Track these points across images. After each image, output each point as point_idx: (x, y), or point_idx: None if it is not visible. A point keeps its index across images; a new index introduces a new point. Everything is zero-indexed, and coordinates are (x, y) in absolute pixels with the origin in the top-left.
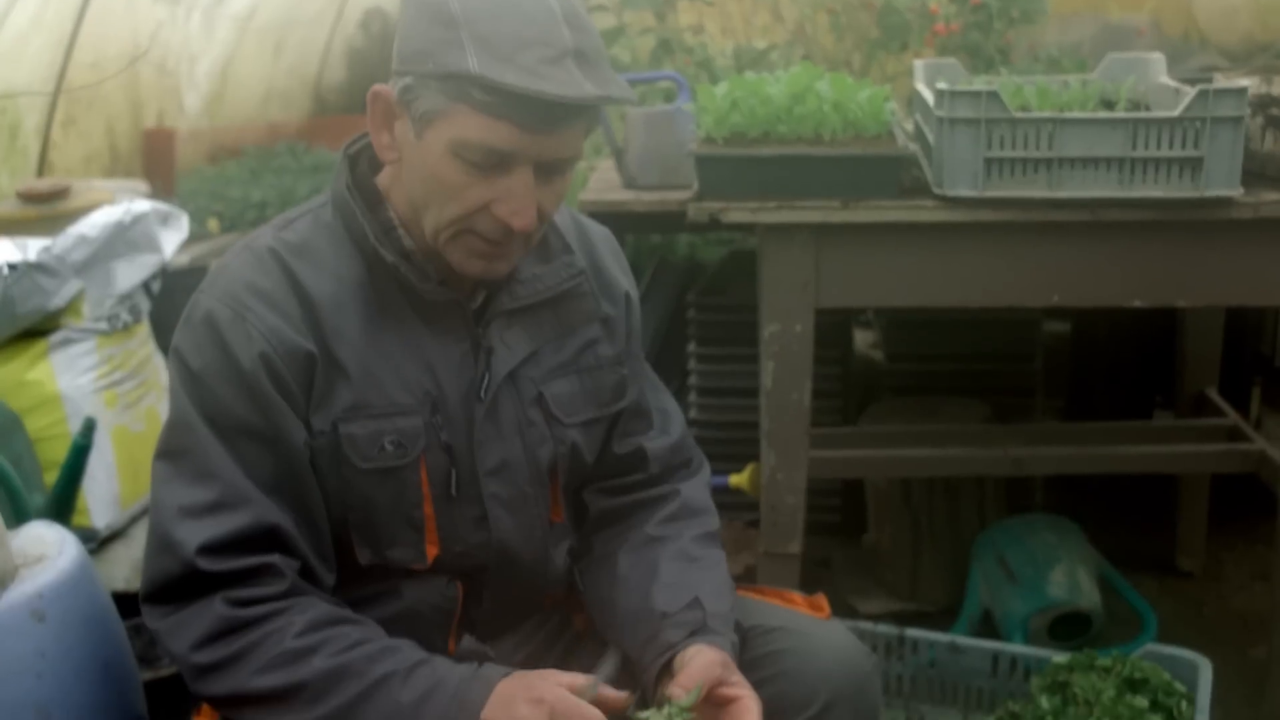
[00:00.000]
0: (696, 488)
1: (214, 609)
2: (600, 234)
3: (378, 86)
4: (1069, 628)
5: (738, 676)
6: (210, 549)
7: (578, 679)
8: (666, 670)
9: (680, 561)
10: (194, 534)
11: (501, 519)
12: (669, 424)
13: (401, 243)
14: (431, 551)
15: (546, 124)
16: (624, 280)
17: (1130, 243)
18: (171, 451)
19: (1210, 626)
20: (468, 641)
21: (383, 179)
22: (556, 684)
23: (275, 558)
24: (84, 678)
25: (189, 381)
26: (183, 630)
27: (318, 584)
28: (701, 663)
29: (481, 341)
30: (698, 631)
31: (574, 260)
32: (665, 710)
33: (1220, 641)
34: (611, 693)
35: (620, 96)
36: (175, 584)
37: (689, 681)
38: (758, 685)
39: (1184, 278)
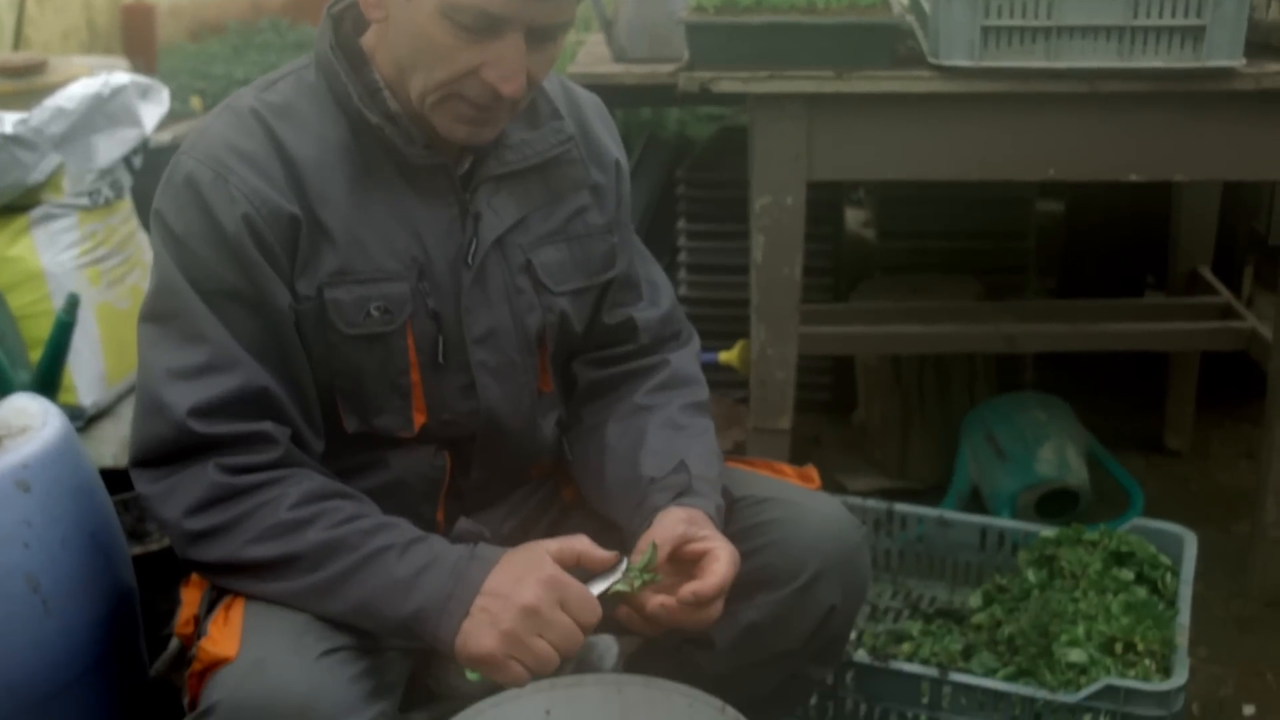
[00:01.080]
0: (686, 359)
1: (207, 475)
2: (590, 100)
3: None
4: (1056, 505)
5: (707, 530)
6: (202, 411)
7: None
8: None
9: (667, 429)
10: (185, 396)
11: (489, 387)
12: (658, 295)
13: (386, 105)
14: (419, 420)
15: None
16: (614, 148)
17: (1129, 114)
18: (158, 314)
19: (1196, 503)
20: (464, 522)
21: (367, 40)
22: (558, 558)
23: (268, 425)
24: (71, 548)
25: (172, 244)
26: (174, 495)
27: (308, 451)
28: (666, 522)
29: (469, 207)
30: (683, 494)
31: (563, 126)
32: (626, 574)
33: (1205, 518)
34: (599, 553)
35: None
36: (166, 447)
37: (648, 540)
38: (748, 555)
39: (1182, 151)
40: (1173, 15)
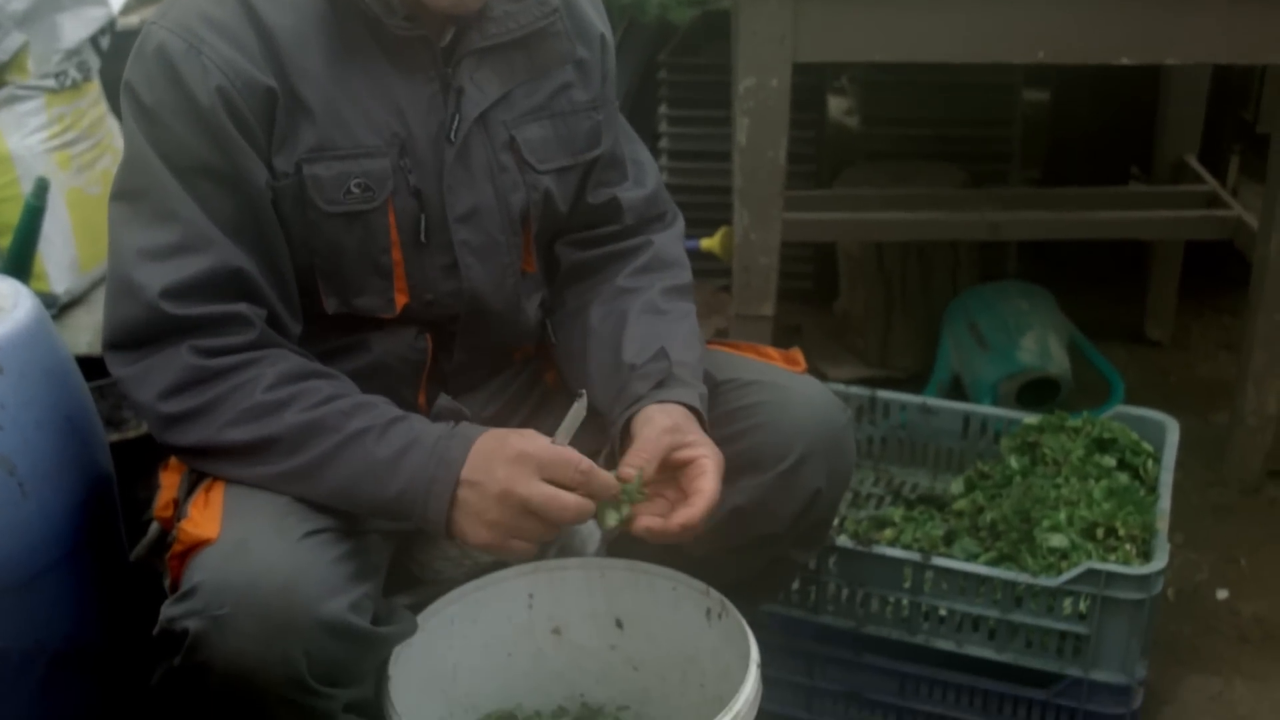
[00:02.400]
0: (670, 240)
1: (181, 358)
2: None
3: None
4: (1037, 394)
5: (694, 435)
6: (174, 293)
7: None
8: (628, 429)
9: (649, 314)
10: (156, 276)
11: (472, 267)
12: (644, 175)
13: None
14: (400, 300)
15: None
16: (599, 22)
17: None
18: (128, 192)
19: (1175, 393)
20: (444, 400)
21: None
22: (533, 435)
23: (242, 306)
24: (47, 431)
25: (142, 117)
26: (149, 378)
27: (285, 333)
28: (648, 434)
29: (451, 82)
30: (664, 383)
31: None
32: (620, 506)
33: (1185, 408)
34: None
35: None
36: (139, 329)
37: (636, 458)
38: (733, 438)
39: (1176, 32)
40: None
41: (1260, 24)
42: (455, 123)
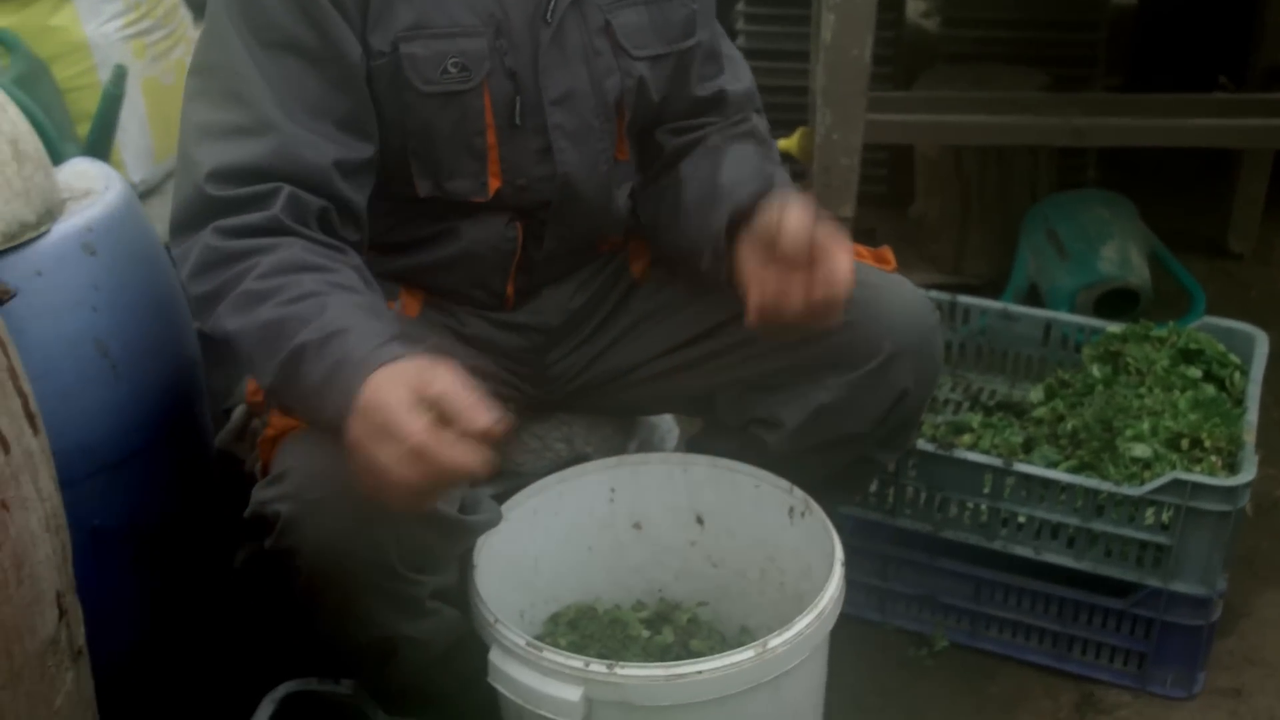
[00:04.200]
0: (764, 124)
1: (205, 238)
2: None
3: None
4: (1116, 304)
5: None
6: (219, 174)
7: (442, 382)
8: (738, 230)
9: (744, 154)
10: (209, 156)
11: (566, 151)
12: (740, 70)
13: None
14: (493, 184)
15: None
16: None
17: None
18: (203, 67)
19: (1256, 308)
20: (392, 312)
21: None
22: (405, 387)
23: (283, 187)
24: (138, 313)
25: None
26: (186, 259)
27: (354, 223)
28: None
29: None
30: (765, 195)
31: None
32: None
33: (1265, 322)
34: (475, 412)
35: None
36: (189, 207)
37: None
38: (821, 335)
39: None
40: None
41: None
42: (552, 4)
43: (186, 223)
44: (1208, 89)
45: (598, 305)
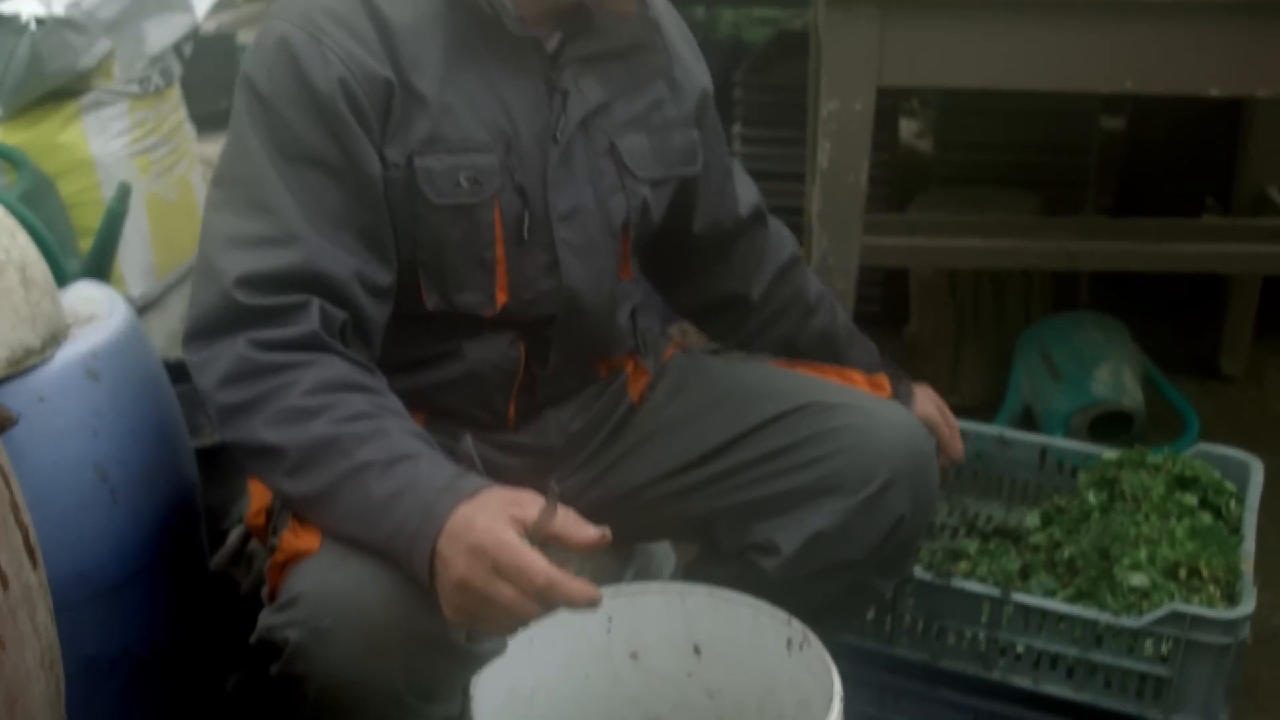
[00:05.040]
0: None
1: (237, 348)
2: (661, 1)
3: None
4: (1110, 427)
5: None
6: (249, 281)
7: (535, 510)
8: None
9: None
10: (236, 263)
11: (572, 265)
12: (749, 185)
13: None
14: (501, 298)
15: None
16: (690, 39)
17: (1215, 25)
18: (227, 178)
19: (1249, 430)
20: (467, 442)
21: None
22: (509, 522)
23: (313, 301)
24: (138, 438)
25: (256, 106)
26: (211, 366)
27: (368, 332)
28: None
29: (556, 84)
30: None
31: (648, 14)
32: None
33: (1259, 446)
34: (580, 529)
35: None
36: (212, 316)
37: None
38: (817, 461)
39: (1268, 65)
40: None
41: None
42: (560, 123)
43: (210, 329)
44: (1196, 211)
45: (597, 429)
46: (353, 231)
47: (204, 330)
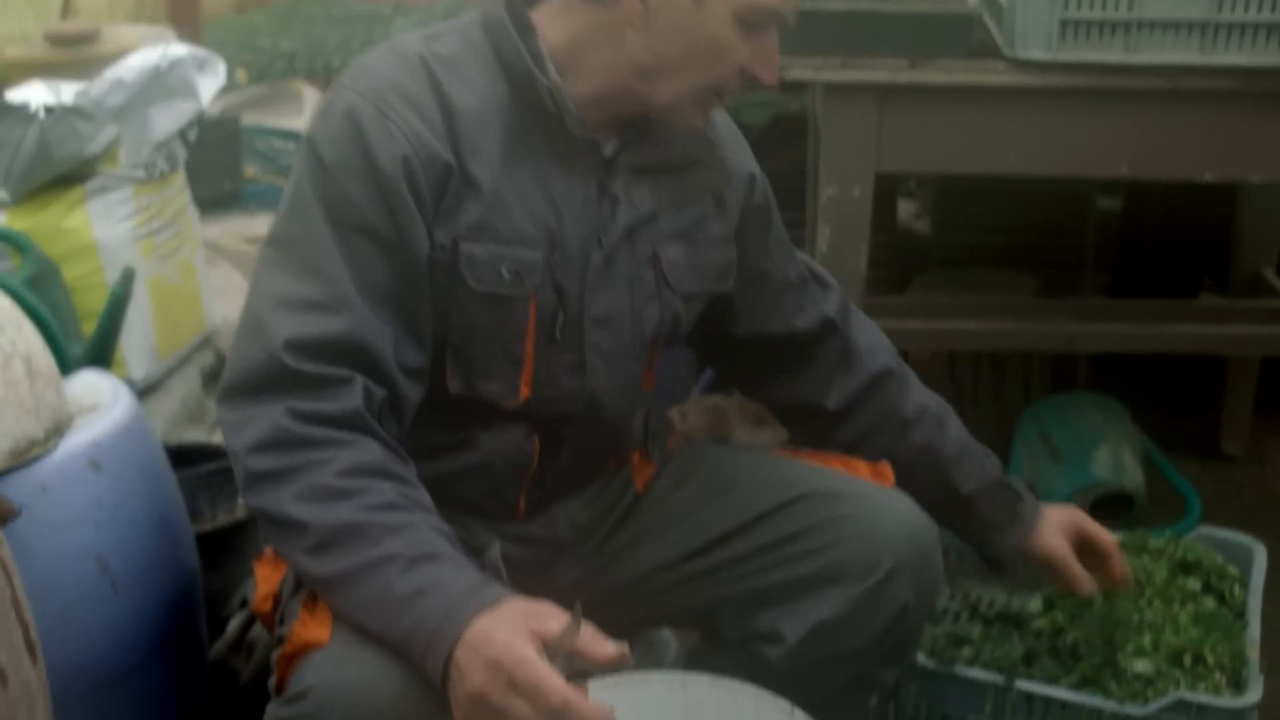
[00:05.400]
0: (859, 324)
1: (276, 414)
2: (722, 118)
3: None
4: (1111, 508)
5: (1058, 522)
6: (297, 345)
7: (555, 626)
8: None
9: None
10: (286, 326)
11: (598, 369)
12: (824, 276)
13: (550, 74)
14: (524, 391)
15: None
16: (749, 161)
17: (1207, 113)
18: (282, 239)
19: (1251, 510)
20: (493, 552)
21: (539, 16)
22: (529, 636)
23: (358, 378)
24: (140, 527)
25: (318, 172)
26: (247, 427)
27: (401, 409)
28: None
29: (607, 189)
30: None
31: (705, 130)
32: None
33: (1261, 526)
34: (600, 646)
35: None
36: (255, 375)
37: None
38: (820, 550)
39: (1260, 151)
40: (1258, 10)
41: None
42: (608, 229)
43: (251, 388)
44: (1193, 291)
45: (603, 519)
46: (395, 308)
47: (244, 389)
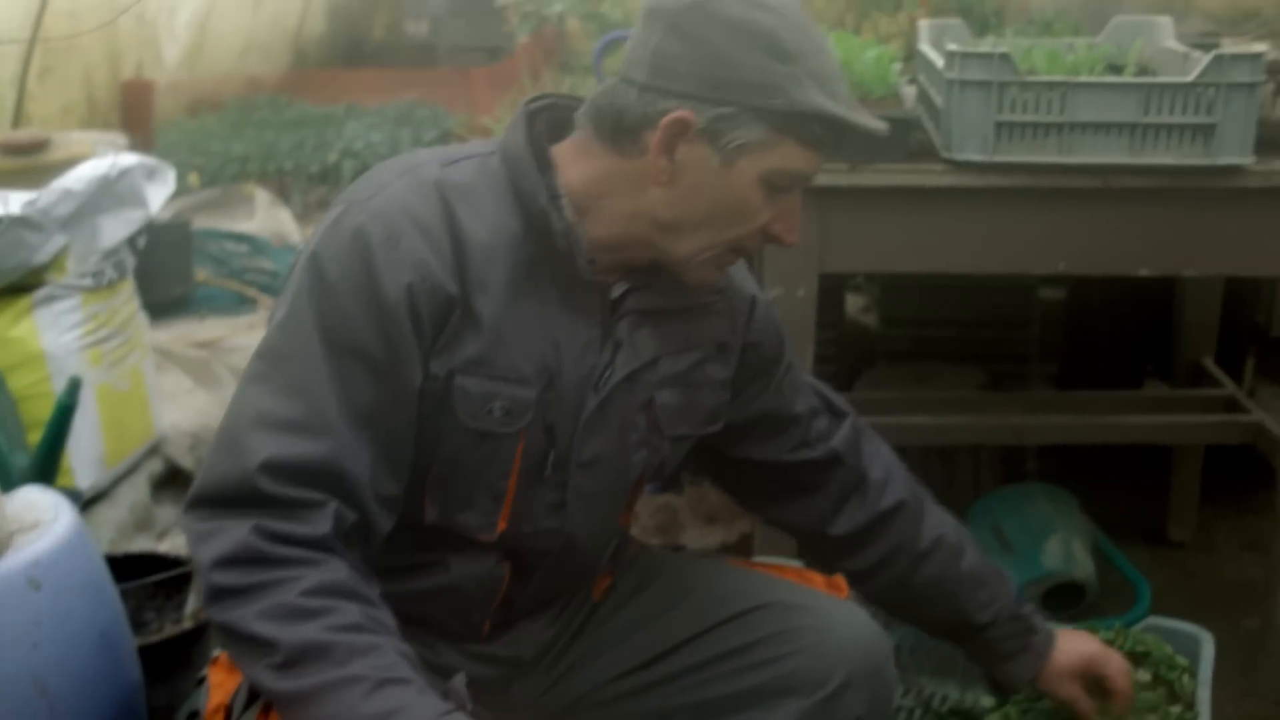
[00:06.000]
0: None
1: (244, 531)
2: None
3: (681, 112)
4: (1064, 598)
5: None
6: (274, 467)
7: None
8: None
9: (984, 566)
10: (265, 445)
11: (578, 512)
12: (834, 402)
13: (565, 213)
14: (501, 526)
15: (835, 151)
16: (751, 286)
17: (1139, 210)
18: (272, 353)
19: (1201, 596)
20: (458, 681)
21: (561, 151)
22: None
23: (331, 503)
24: (80, 646)
25: (319, 288)
26: (214, 540)
27: (370, 536)
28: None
29: (610, 332)
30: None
31: (718, 279)
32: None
33: (1211, 612)
34: None
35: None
36: (227, 489)
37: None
38: (774, 661)
39: (1192, 246)
40: (1184, 113)
41: (1275, 238)
42: (607, 374)
43: (221, 502)
44: (1138, 379)
45: (562, 633)
46: (377, 435)
47: (214, 501)
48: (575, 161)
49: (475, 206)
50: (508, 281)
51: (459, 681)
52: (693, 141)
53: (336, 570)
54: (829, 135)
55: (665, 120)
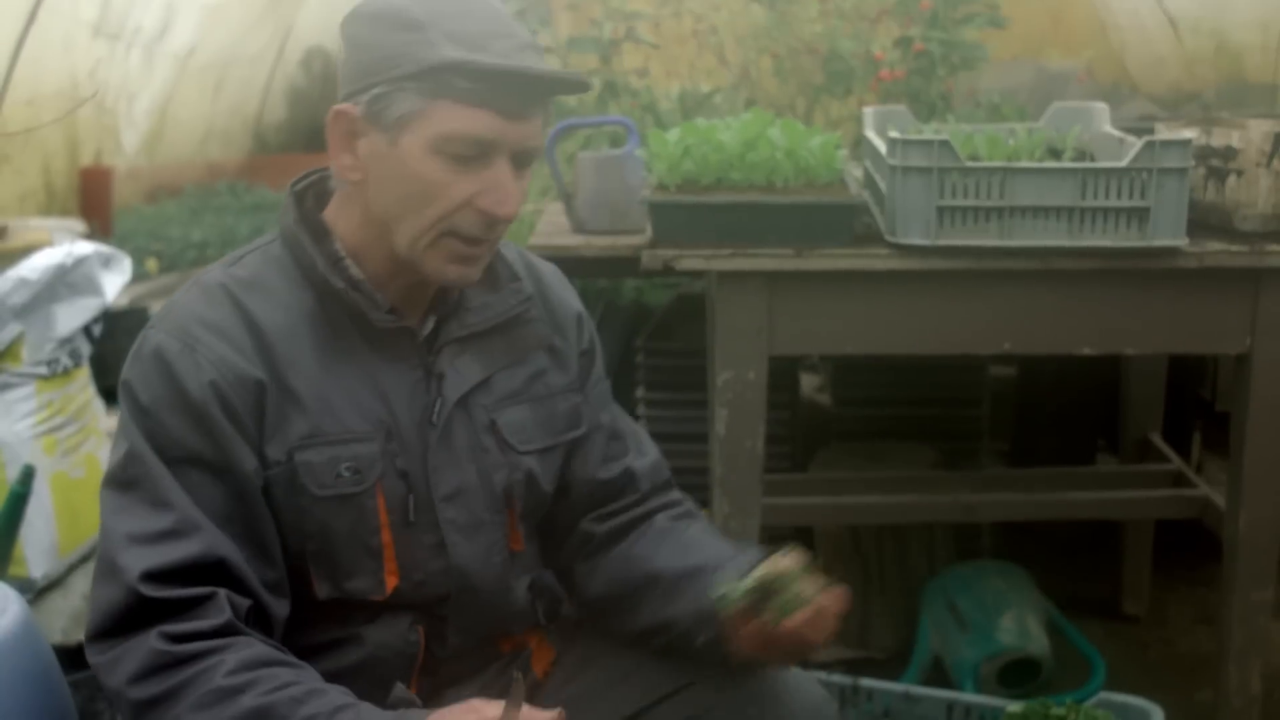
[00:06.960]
0: (687, 503)
1: (149, 643)
2: (547, 267)
3: (339, 106)
4: (1019, 673)
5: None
6: (154, 575)
7: (493, 712)
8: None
9: (707, 536)
10: (139, 560)
11: (459, 544)
12: (643, 444)
13: (349, 272)
14: (391, 581)
15: (523, 109)
16: (574, 302)
17: (1079, 291)
18: (121, 482)
19: (1155, 670)
20: (399, 689)
21: (330, 214)
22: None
23: (220, 592)
24: None
25: (139, 415)
26: (121, 664)
27: (269, 621)
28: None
29: (433, 368)
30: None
31: (521, 287)
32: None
33: (1165, 685)
34: (540, 715)
35: (582, 81)
36: (117, 613)
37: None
38: None
39: (1131, 326)
40: (1119, 197)
41: (1209, 316)
42: (437, 406)
43: (116, 628)
44: (1089, 455)
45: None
46: (238, 530)
47: (109, 629)
48: (342, 216)
49: (264, 294)
50: (317, 353)
51: (399, 690)
52: (364, 132)
53: (250, 646)
54: (484, 88)
55: (328, 119)
